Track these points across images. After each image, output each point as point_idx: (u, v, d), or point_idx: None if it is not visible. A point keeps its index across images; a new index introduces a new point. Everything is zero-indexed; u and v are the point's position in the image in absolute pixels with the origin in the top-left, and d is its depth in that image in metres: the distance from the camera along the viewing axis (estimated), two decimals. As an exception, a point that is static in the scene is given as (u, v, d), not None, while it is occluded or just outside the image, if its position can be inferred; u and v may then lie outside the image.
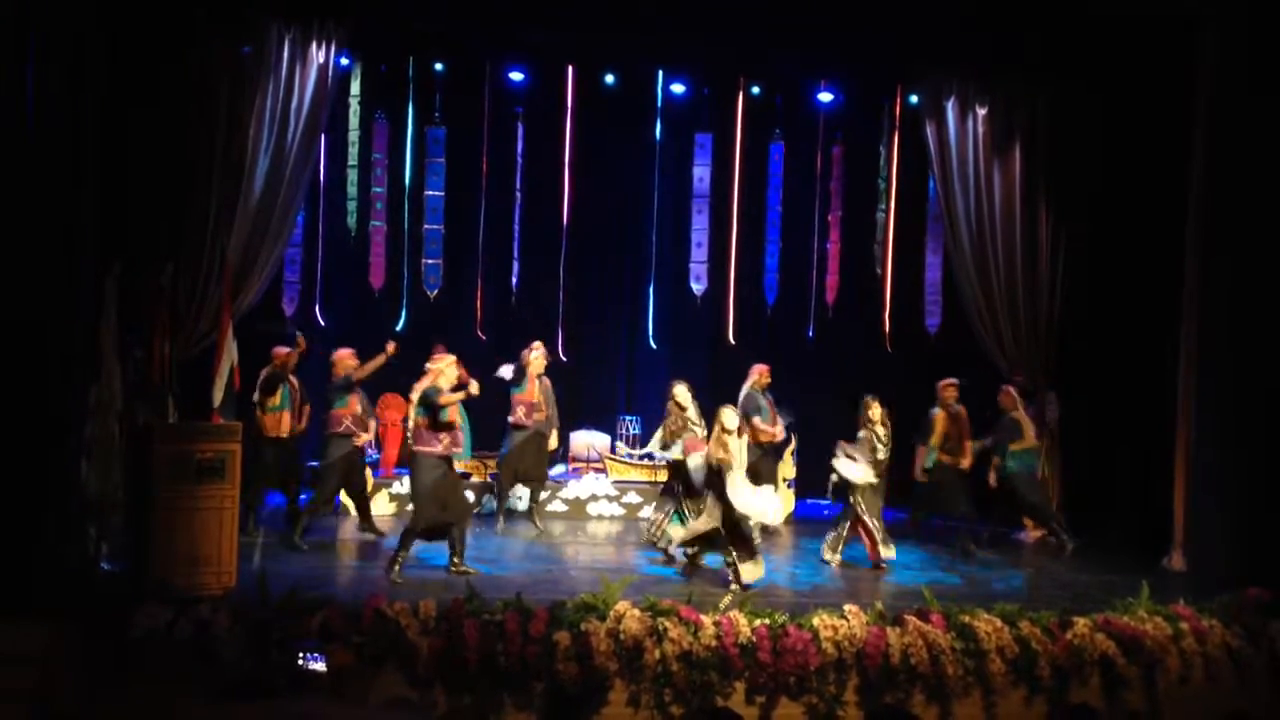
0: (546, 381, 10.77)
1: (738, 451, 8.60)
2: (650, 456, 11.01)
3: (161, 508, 7.76)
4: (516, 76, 12.50)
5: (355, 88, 12.39)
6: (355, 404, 9.83)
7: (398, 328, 12.54)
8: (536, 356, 10.64)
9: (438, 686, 6.78)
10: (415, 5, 10.95)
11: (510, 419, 10.65)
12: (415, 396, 8.71)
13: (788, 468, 11.83)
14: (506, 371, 10.66)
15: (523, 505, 11.16)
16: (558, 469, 12.05)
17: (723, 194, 13.27)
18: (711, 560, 9.09)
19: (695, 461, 9.07)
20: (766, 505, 8.71)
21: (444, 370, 8.84)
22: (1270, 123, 9.19)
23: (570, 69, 12.76)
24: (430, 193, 12.74)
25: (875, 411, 9.75)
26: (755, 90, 13.11)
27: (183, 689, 6.46)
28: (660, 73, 12.98)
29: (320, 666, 6.55)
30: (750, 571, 8.59)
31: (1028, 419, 10.71)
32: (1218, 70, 9.63)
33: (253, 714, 6.31)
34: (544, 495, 11.21)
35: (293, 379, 10.05)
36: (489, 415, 11.02)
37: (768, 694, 7.05)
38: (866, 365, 12.79)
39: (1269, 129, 9.20)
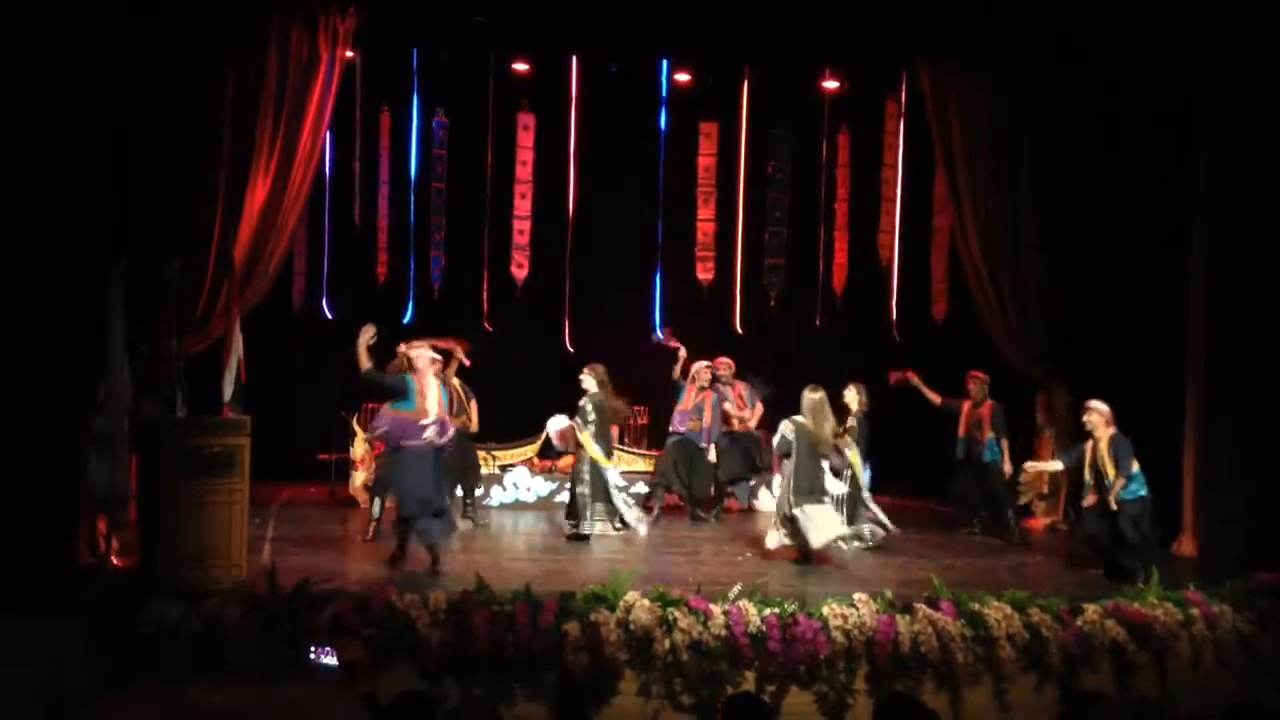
0: (708, 394, 11.09)
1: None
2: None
3: (170, 502, 7.74)
4: (521, 67, 12.46)
5: (359, 80, 12.37)
6: None
7: (404, 320, 12.53)
8: (699, 369, 11.12)
9: (448, 678, 6.80)
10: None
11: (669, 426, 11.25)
12: None
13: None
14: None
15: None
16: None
17: (728, 183, 13.24)
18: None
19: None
20: None
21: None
22: (1273, 112, 9.15)
23: (574, 59, 12.74)
24: (435, 184, 12.74)
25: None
26: (760, 78, 13.06)
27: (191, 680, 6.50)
28: (664, 62, 12.93)
29: (331, 659, 6.58)
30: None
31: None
32: (1220, 58, 9.58)
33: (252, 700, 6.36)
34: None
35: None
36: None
37: (778, 683, 7.05)
38: (874, 353, 12.74)
39: (1272, 117, 9.16)
